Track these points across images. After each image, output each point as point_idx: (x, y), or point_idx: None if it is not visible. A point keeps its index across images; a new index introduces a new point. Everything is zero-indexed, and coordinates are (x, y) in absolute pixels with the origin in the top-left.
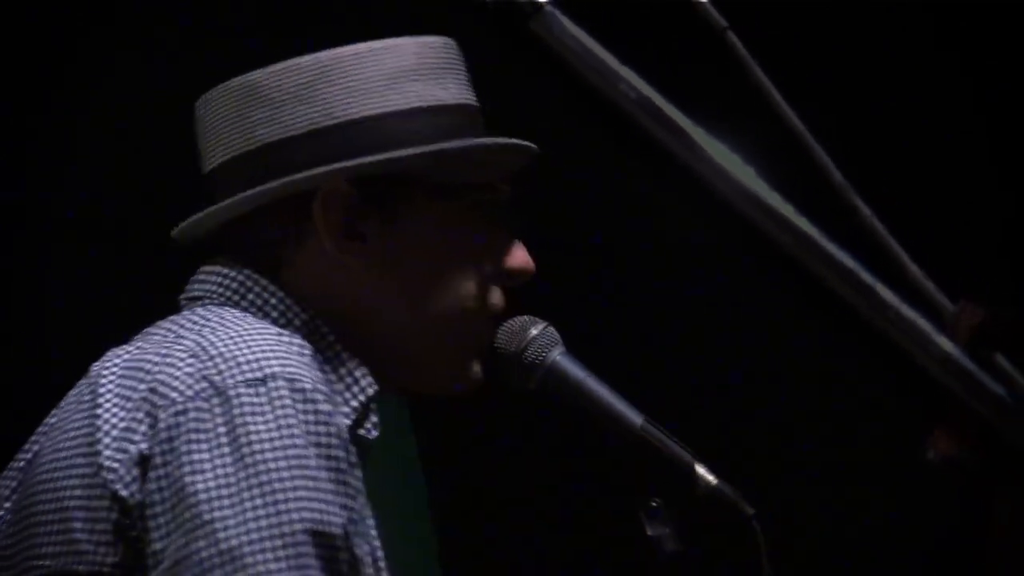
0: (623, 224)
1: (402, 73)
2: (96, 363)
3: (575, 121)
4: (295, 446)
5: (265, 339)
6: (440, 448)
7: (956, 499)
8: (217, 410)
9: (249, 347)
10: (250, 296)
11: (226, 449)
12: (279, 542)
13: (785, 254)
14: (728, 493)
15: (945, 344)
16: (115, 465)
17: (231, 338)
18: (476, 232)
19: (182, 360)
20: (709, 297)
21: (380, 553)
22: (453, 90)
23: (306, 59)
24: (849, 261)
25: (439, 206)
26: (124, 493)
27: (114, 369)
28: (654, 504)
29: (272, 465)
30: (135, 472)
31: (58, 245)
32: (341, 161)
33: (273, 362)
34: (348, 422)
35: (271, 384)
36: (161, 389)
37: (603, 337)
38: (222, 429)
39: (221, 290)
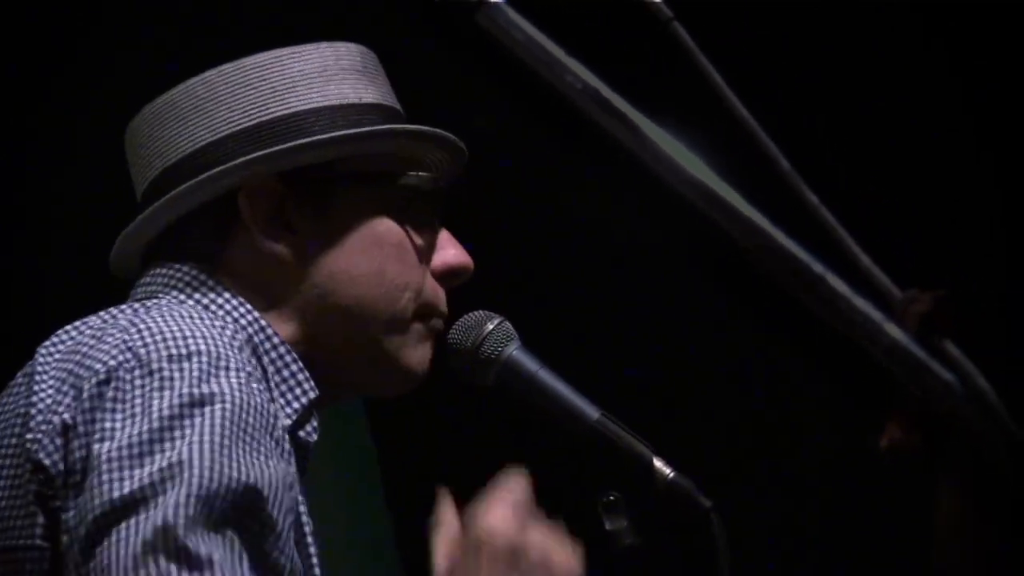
0: (578, 218)
1: (322, 73)
2: (41, 345)
3: (521, 117)
4: (205, 415)
5: (196, 322)
6: (395, 439)
7: (908, 487)
8: (137, 381)
9: (179, 325)
10: (196, 295)
11: (139, 419)
12: (191, 507)
13: (734, 244)
14: (686, 486)
15: (895, 332)
16: (39, 436)
17: (163, 317)
18: (407, 226)
19: (111, 336)
20: (663, 291)
21: (308, 529)
22: (373, 91)
23: (227, 66)
24: (798, 250)
25: (368, 197)
26: (47, 462)
27: (54, 352)
28: (612, 497)
29: (181, 432)
30: (58, 441)
31: (58, 245)
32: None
33: (200, 341)
34: (288, 422)
35: (195, 360)
36: (86, 361)
37: (559, 332)
38: (138, 400)
39: (168, 288)
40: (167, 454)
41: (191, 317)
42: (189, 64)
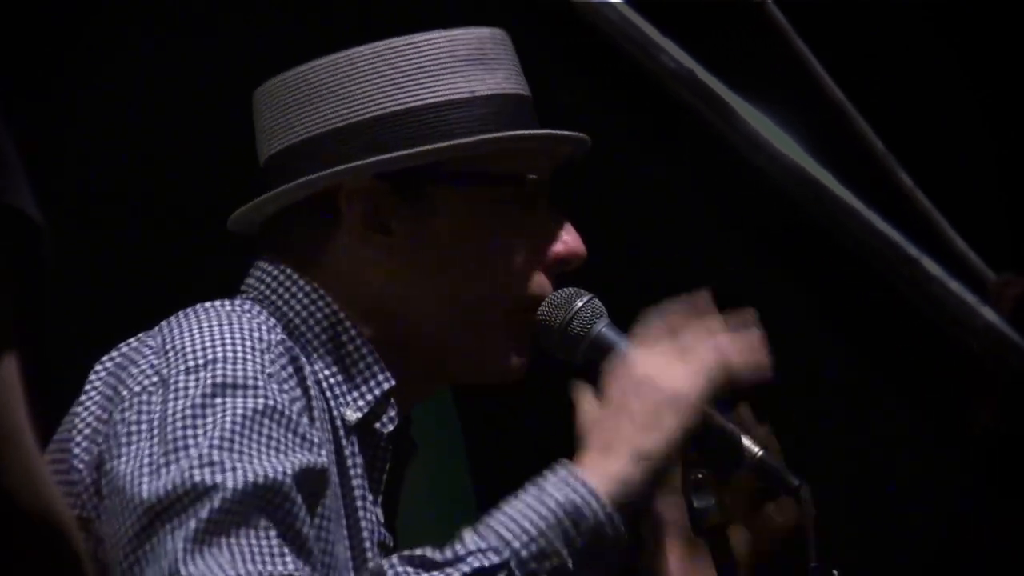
0: (668, 199)
1: (435, 65)
2: (98, 361)
3: (614, 101)
4: (214, 420)
5: (225, 332)
6: (483, 424)
7: (999, 469)
8: (155, 398)
9: (204, 337)
10: (276, 293)
11: (155, 430)
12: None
13: (826, 226)
14: (774, 464)
15: (989, 315)
16: (80, 466)
17: (193, 330)
18: (512, 221)
19: (144, 357)
20: (753, 272)
21: (365, 524)
22: (490, 80)
23: (342, 54)
24: (892, 232)
25: (471, 196)
26: (84, 496)
27: (101, 371)
28: (700, 476)
29: (192, 440)
30: (95, 475)
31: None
32: (362, 158)
33: (219, 348)
34: (359, 415)
35: (209, 368)
36: (120, 386)
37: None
38: (155, 415)
39: (258, 284)
40: (182, 464)
41: (226, 323)
42: (191, 56)
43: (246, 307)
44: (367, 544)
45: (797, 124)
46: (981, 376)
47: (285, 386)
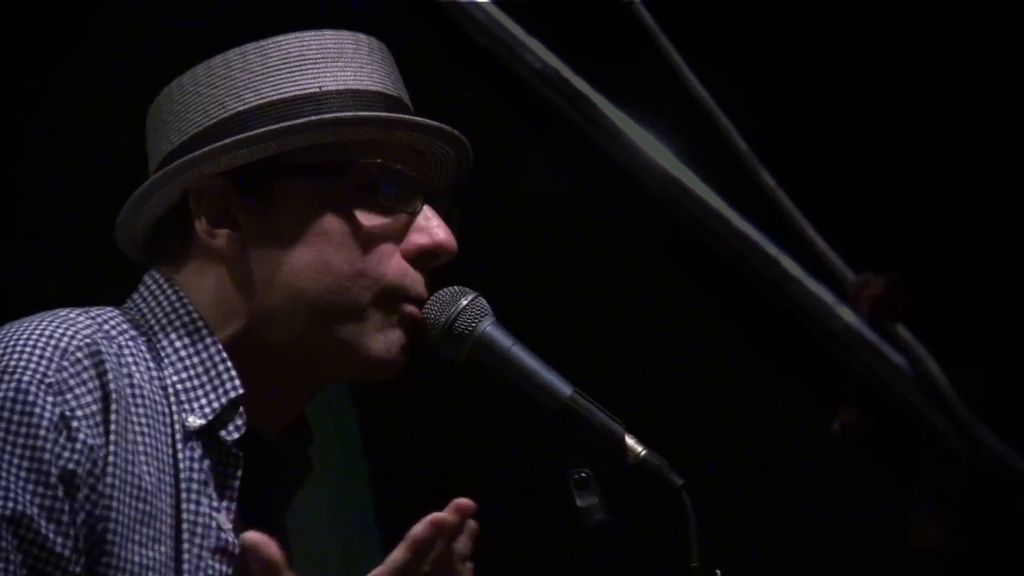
0: (553, 197)
1: (282, 66)
2: None
3: (484, 99)
4: None
5: (22, 335)
6: (379, 423)
7: (876, 468)
8: None
9: (15, 333)
10: (145, 302)
11: None
12: None
13: (689, 224)
14: (658, 463)
15: (847, 316)
16: None
17: (12, 328)
18: (364, 213)
19: None
20: (636, 272)
21: (190, 527)
22: (342, 76)
23: (198, 67)
24: (753, 232)
25: (314, 187)
26: None
27: None
28: (583, 474)
29: None
30: None
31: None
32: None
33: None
34: (202, 422)
35: None
36: None
37: (534, 309)
38: None
39: (134, 295)
40: None
41: (28, 328)
42: (184, 56)
43: (91, 314)
44: (195, 549)
45: (663, 124)
46: (845, 378)
47: (68, 395)
